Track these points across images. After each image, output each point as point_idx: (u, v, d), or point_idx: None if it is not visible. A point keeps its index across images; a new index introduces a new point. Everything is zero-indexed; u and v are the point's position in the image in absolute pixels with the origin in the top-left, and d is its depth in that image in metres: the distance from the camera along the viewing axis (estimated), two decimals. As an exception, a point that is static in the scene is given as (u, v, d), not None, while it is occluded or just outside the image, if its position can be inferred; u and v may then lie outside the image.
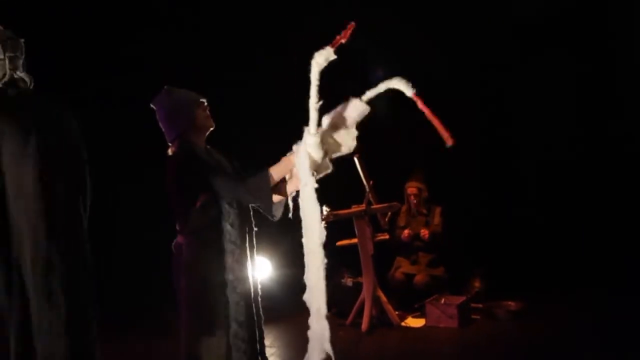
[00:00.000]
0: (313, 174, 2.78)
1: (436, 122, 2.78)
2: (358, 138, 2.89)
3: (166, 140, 3.10)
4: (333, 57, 2.66)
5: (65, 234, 2.13)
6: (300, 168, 2.80)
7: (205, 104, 3.09)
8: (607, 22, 6.73)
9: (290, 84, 2.73)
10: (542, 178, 7.08)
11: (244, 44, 6.70)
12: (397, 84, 2.79)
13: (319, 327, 2.74)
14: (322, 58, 2.66)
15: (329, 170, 2.90)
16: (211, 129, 3.10)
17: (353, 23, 2.71)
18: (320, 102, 2.71)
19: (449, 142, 2.77)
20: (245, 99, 6.68)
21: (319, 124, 2.78)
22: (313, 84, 2.68)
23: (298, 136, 2.84)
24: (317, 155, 2.78)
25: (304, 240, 2.77)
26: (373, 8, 6.28)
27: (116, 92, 6.53)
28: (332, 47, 2.67)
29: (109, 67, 6.56)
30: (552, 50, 6.75)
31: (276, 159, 2.95)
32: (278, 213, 3.06)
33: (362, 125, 2.86)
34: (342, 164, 2.93)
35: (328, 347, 2.72)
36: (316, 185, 2.80)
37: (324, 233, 2.73)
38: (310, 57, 2.66)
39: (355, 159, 5.49)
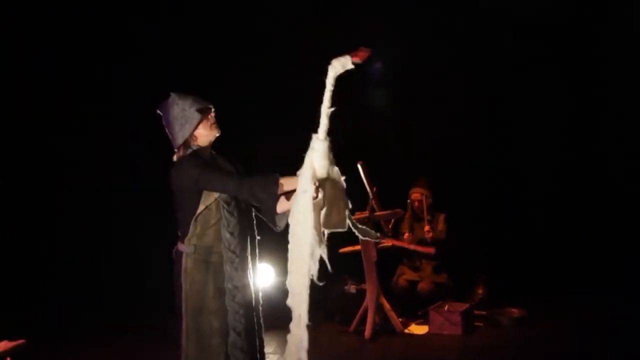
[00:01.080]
0: (315, 183, 2.67)
1: (411, 247, 2.75)
2: (361, 144, 2.85)
3: (172, 145, 3.06)
4: (350, 67, 2.61)
5: None
6: (302, 174, 2.69)
7: (212, 110, 3.04)
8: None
9: (294, 87, 2.69)
10: (544, 184, 7.07)
11: (245, 44, 6.72)
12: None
13: (298, 334, 2.69)
14: (340, 64, 2.60)
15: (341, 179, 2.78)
16: (217, 135, 3.05)
17: (370, 49, 2.63)
18: (333, 109, 2.64)
19: (432, 250, 2.75)
20: (249, 101, 6.67)
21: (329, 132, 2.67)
22: (327, 89, 2.62)
23: (303, 141, 2.75)
24: (322, 162, 2.66)
25: (290, 246, 2.69)
26: (373, 8, 6.29)
27: (116, 95, 6.55)
28: (353, 58, 2.59)
29: (108, 70, 6.57)
30: (551, 50, 6.81)
31: (279, 162, 2.88)
32: (282, 223, 2.95)
33: (365, 131, 2.83)
34: (345, 170, 2.89)
35: (304, 357, 2.68)
36: (317, 197, 2.67)
37: (320, 244, 2.65)
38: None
39: (359, 166, 5.49)
